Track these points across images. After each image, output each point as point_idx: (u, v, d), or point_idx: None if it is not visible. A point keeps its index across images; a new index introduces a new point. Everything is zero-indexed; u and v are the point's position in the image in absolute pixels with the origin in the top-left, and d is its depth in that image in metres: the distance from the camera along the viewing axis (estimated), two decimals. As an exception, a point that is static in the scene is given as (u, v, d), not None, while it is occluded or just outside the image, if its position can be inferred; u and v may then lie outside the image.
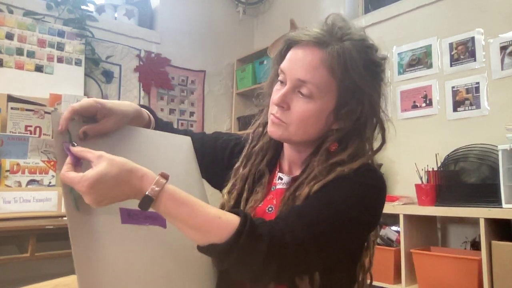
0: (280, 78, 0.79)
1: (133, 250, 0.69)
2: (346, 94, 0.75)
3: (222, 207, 0.86)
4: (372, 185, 0.74)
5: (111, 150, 0.68)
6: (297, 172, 0.83)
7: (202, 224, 0.63)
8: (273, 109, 0.78)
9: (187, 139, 0.93)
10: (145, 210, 0.62)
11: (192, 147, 0.93)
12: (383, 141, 0.82)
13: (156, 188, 0.61)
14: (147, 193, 0.61)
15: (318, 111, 0.75)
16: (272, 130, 0.79)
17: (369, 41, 0.79)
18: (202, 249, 0.64)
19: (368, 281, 0.86)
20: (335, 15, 0.79)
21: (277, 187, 0.83)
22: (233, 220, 0.64)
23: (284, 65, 0.78)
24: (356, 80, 0.74)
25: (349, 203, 0.70)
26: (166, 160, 0.83)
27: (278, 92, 0.78)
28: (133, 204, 0.65)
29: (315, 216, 0.68)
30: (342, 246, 0.72)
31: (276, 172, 0.86)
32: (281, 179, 0.83)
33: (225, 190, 0.87)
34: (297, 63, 0.75)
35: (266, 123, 0.84)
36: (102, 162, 0.61)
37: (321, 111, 0.76)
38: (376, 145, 0.81)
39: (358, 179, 0.73)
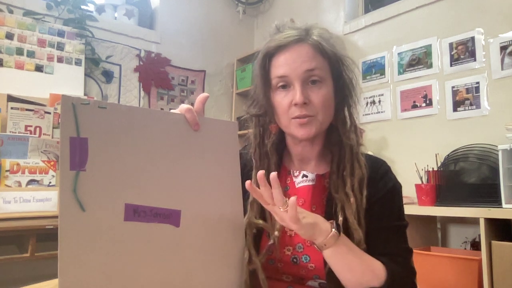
0: (280, 84, 0.81)
1: (134, 250, 0.64)
2: (336, 70, 0.83)
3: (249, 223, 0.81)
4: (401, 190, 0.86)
5: (154, 140, 0.66)
6: (308, 167, 0.88)
7: (370, 263, 0.73)
8: (295, 112, 0.79)
9: (235, 125, 0.82)
10: (339, 233, 0.71)
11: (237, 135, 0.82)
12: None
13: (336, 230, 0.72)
14: (334, 229, 0.72)
15: (330, 92, 0.82)
16: (305, 131, 0.80)
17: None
18: None
19: None
20: (285, 21, 0.89)
21: (300, 185, 0.86)
22: (379, 263, 0.75)
23: (282, 70, 0.80)
24: (338, 55, 0.83)
25: (402, 212, 0.85)
26: (215, 148, 0.75)
27: (287, 96, 0.80)
28: (141, 200, 0.63)
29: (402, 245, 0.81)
30: None
31: (286, 174, 0.89)
32: (306, 176, 0.86)
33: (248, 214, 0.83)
34: (297, 60, 0.80)
35: (261, 143, 0.88)
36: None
37: (330, 91, 0.83)
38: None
39: (399, 189, 0.85)
